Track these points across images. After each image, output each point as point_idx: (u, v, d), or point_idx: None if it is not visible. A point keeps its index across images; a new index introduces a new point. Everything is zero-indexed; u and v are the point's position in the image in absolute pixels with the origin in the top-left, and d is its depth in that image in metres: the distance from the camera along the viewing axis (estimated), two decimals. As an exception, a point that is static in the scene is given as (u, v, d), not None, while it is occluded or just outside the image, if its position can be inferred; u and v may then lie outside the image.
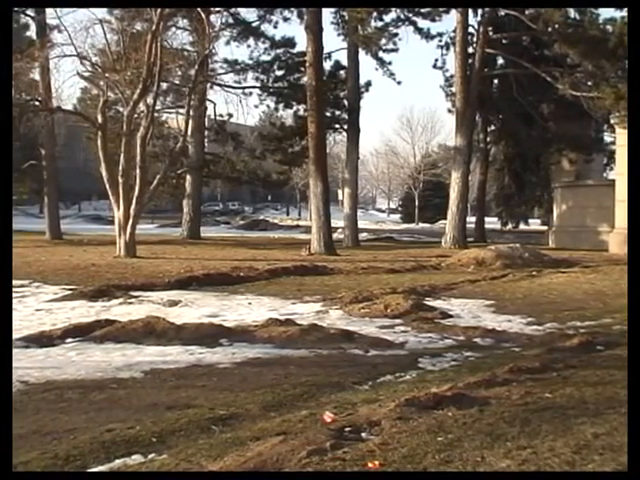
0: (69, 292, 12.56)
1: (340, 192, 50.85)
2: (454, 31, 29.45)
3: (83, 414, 5.36)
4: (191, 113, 25.97)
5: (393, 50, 29.40)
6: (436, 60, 34.27)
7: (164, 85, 27.47)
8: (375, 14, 26.95)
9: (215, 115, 32.66)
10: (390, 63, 30.40)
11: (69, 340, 8.20)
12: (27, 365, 6.89)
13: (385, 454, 4.11)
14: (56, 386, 6.14)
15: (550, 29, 26.04)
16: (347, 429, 4.67)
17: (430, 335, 8.85)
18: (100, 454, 4.43)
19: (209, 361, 7.26)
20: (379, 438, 4.44)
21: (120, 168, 20.93)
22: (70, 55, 22.06)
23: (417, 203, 57.89)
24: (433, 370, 6.98)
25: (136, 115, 22.69)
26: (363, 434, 4.60)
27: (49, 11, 27.75)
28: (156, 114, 25.11)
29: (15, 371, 6.53)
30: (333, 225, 25.82)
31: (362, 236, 32.66)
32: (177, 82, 29.74)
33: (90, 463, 4.29)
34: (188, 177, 32.70)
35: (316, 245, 23.80)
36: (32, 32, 33.63)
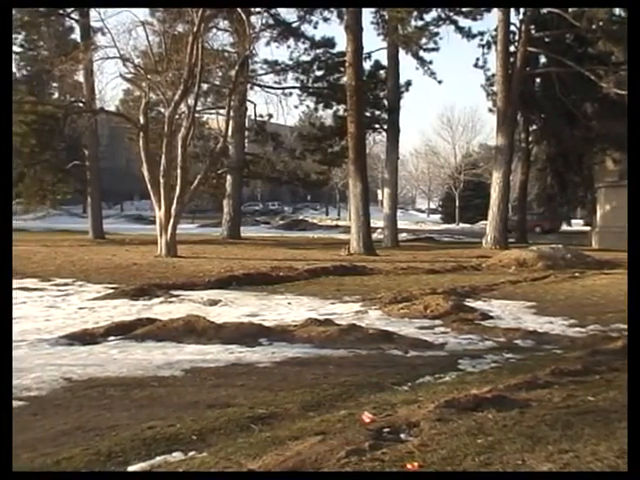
0: (111, 291, 12.72)
1: (380, 192, 50.72)
2: (495, 30, 29.21)
3: (125, 411, 5.41)
4: (231, 114, 26.10)
5: (434, 49, 29.28)
6: (477, 59, 34.08)
7: (205, 86, 27.67)
8: (415, 13, 26.85)
9: (255, 115, 32.85)
10: (431, 62, 30.28)
11: (111, 338, 8.30)
12: (70, 362, 6.98)
13: (424, 455, 4.09)
14: (99, 383, 6.21)
15: (594, 26, 25.70)
16: (386, 430, 4.66)
17: (470, 336, 8.79)
18: (141, 451, 4.47)
19: (249, 360, 7.29)
20: (418, 439, 4.42)
21: (161, 168, 21.13)
22: (113, 57, 22.33)
23: (457, 203, 57.51)
24: (473, 372, 6.92)
25: (177, 116, 22.89)
26: (402, 435, 4.58)
27: (93, 14, 28.19)
28: (197, 115, 25.30)
29: (59, 368, 6.65)
30: (372, 225, 25.78)
31: (402, 236, 32.56)
32: (218, 83, 29.92)
33: (131, 460, 4.33)
34: (228, 177, 32.89)
35: (355, 245, 23.77)
36: (76, 35, 34.20)
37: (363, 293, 13.02)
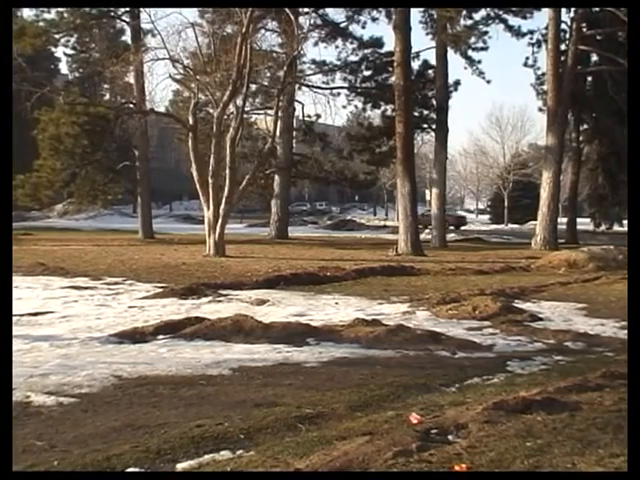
0: (161, 290, 12.86)
1: (428, 192, 50.48)
2: (546, 28, 28.84)
3: (173, 409, 5.47)
4: (280, 114, 26.20)
5: (483, 48, 29.07)
6: (527, 58, 33.67)
7: (253, 87, 27.85)
8: (465, 12, 26.65)
9: (303, 116, 32.91)
10: (479, 62, 30.05)
11: (160, 337, 8.39)
12: (121, 360, 7.08)
13: (472, 457, 4.05)
14: (148, 381, 6.29)
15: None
16: (433, 431, 4.62)
17: (519, 338, 8.69)
18: (190, 449, 4.51)
19: (296, 360, 7.31)
20: (466, 441, 4.38)
21: (210, 169, 21.31)
22: (163, 58, 22.59)
23: (506, 203, 56.90)
24: (522, 373, 6.84)
25: (226, 116, 23.06)
26: (450, 437, 4.54)
27: (143, 16, 28.55)
28: (245, 115, 25.47)
29: (109, 366, 6.75)
30: (420, 226, 25.66)
31: (450, 237, 32.33)
32: (266, 83, 30.09)
33: (180, 458, 4.37)
34: (276, 177, 33.03)
35: (403, 245, 23.69)
36: (127, 37, 34.70)
37: (411, 293, 12.96)
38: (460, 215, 57.59)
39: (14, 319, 9.68)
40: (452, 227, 45.39)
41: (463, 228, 47.69)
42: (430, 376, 6.64)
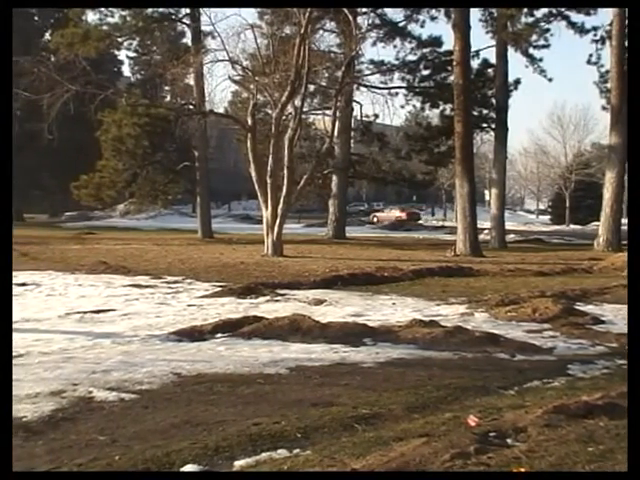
0: (219, 289, 12.98)
1: (487, 192, 49.94)
2: (610, 24, 28.22)
3: (231, 407, 5.51)
4: (337, 114, 26.22)
5: (544, 46, 28.60)
6: (590, 55, 32.89)
7: (311, 87, 27.89)
8: (526, 10, 26.28)
9: (361, 116, 32.84)
10: (541, 60, 29.60)
11: (219, 335, 8.48)
12: (180, 358, 7.18)
13: (531, 462, 4.00)
14: (206, 379, 6.35)
15: None
16: (492, 434, 4.58)
17: (580, 341, 8.53)
18: (247, 447, 4.55)
19: (353, 360, 7.30)
20: (525, 445, 4.32)
21: (268, 169, 21.43)
22: (222, 60, 22.80)
23: (568, 204, 55.94)
24: (583, 377, 6.72)
25: (284, 117, 23.16)
26: (508, 440, 4.49)
27: (203, 18, 28.93)
28: (303, 116, 25.54)
29: (169, 363, 6.85)
30: (479, 226, 25.42)
31: (509, 237, 31.93)
32: (324, 84, 30.14)
33: (237, 455, 4.41)
34: (334, 177, 33.06)
35: (461, 246, 23.49)
36: (188, 39, 35.18)
37: (469, 295, 12.84)
38: (414, 211, 60.73)
39: (77, 316, 9.92)
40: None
41: (524, 229, 47.05)
42: (488, 378, 6.57)
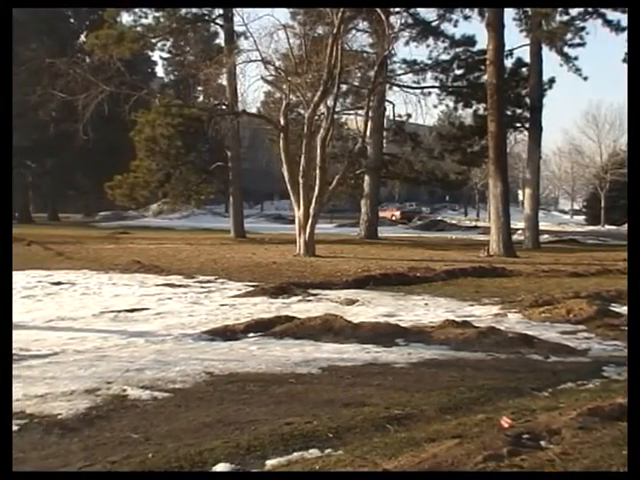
0: (251, 288, 13.02)
1: (520, 192, 49.57)
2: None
3: (263, 406, 5.53)
4: (370, 114, 26.18)
5: (579, 45, 28.25)
6: (626, 53, 32.54)
7: (344, 87, 27.91)
8: (560, 8, 25.99)
9: (394, 115, 32.77)
10: (576, 58, 29.21)
11: (251, 334, 8.51)
12: (212, 357, 7.22)
13: (565, 464, 3.96)
14: (239, 378, 6.38)
15: None
16: (525, 436, 4.53)
17: (616, 343, 8.42)
18: (279, 446, 4.56)
19: (385, 360, 7.29)
20: (559, 447, 4.28)
21: (301, 169, 21.47)
22: (255, 60, 22.88)
23: (603, 204, 55.28)
24: (618, 379, 6.63)
25: (317, 117, 23.19)
26: (542, 442, 4.44)
27: (236, 19, 29.07)
28: (336, 116, 25.56)
29: (201, 362, 6.89)
30: (513, 226, 25.22)
31: (543, 238, 31.61)
32: (357, 84, 30.12)
33: (269, 454, 4.42)
34: (366, 177, 33.01)
35: (495, 246, 23.32)
36: (221, 40, 35.39)
37: (502, 295, 12.75)
38: (407, 210, 60.88)
39: (111, 315, 10.02)
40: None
41: (558, 229, 46.62)
42: (522, 380, 6.52)
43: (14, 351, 7.26)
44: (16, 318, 9.65)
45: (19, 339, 7.98)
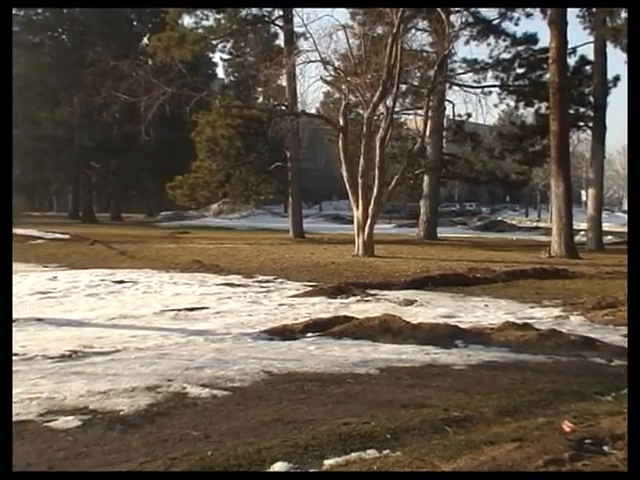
0: (310, 288, 13.05)
1: (583, 193, 48.62)
2: None
3: (321, 406, 5.54)
4: (430, 114, 26.03)
5: (646, 41, 27.58)
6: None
7: (403, 87, 27.82)
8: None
9: (453, 115, 32.53)
10: (642, 55, 28.52)
11: (309, 334, 8.53)
12: (271, 356, 7.26)
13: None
14: (297, 378, 6.40)
15: None
16: (587, 441, 4.45)
17: (682, 347, 8.20)
18: (337, 446, 4.56)
19: (444, 362, 7.24)
20: (622, 453, 4.18)
21: (360, 169, 21.46)
22: (315, 61, 22.99)
23: (669, 204, 53.88)
24: (685, 385, 6.46)
25: (376, 117, 23.16)
26: (605, 447, 4.35)
27: (296, 20, 29.18)
28: (395, 116, 25.47)
29: (260, 361, 6.93)
30: (575, 227, 24.78)
31: (606, 239, 30.96)
32: (416, 83, 29.97)
33: (327, 454, 4.42)
34: (425, 178, 32.83)
35: (556, 247, 22.94)
36: (280, 41, 35.60)
37: (564, 297, 12.53)
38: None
39: (172, 313, 10.16)
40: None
41: (623, 230, 45.62)
42: (584, 383, 6.40)
43: (78, 348, 7.44)
44: (80, 316, 9.90)
45: (83, 336, 8.17)
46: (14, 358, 6.89)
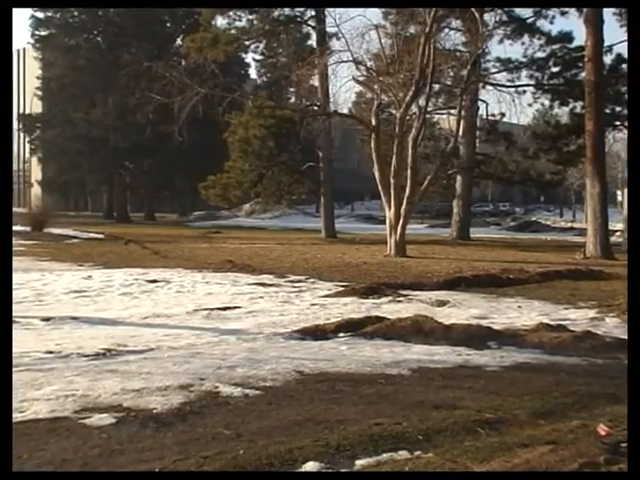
0: (342, 289, 13.03)
1: (619, 193, 48.07)
2: None
3: (353, 406, 5.53)
4: (463, 113, 25.85)
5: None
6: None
7: (436, 86, 27.65)
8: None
9: (487, 115, 32.27)
10: (680, 53, 28.11)
11: (341, 334, 8.51)
12: (302, 356, 7.26)
13: (666, 475, 3.81)
14: (328, 378, 6.39)
15: None
16: (623, 444, 4.38)
17: None
18: (368, 446, 4.54)
19: (476, 363, 7.19)
20: (659, 457, 4.13)
21: (392, 169, 21.40)
22: (347, 61, 22.97)
23: None
24: None
25: (408, 117, 23.08)
26: (641, 451, 4.30)
27: (328, 20, 29.21)
28: (428, 115, 25.34)
29: (292, 361, 6.94)
30: (611, 228, 24.47)
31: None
32: (449, 83, 29.79)
33: (359, 454, 4.41)
34: (458, 178, 32.65)
35: (592, 248, 22.67)
36: (312, 41, 35.67)
37: (599, 299, 12.37)
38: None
39: (205, 313, 10.22)
40: None
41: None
42: (620, 386, 6.29)
43: (112, 346, 7.52)
44: (114, 314, 10.00)
45: (117, 335, 8.25)
46: (50, 356, 7.00)
